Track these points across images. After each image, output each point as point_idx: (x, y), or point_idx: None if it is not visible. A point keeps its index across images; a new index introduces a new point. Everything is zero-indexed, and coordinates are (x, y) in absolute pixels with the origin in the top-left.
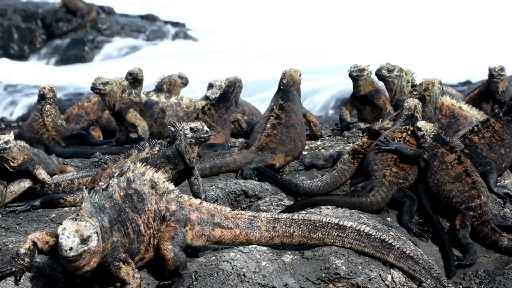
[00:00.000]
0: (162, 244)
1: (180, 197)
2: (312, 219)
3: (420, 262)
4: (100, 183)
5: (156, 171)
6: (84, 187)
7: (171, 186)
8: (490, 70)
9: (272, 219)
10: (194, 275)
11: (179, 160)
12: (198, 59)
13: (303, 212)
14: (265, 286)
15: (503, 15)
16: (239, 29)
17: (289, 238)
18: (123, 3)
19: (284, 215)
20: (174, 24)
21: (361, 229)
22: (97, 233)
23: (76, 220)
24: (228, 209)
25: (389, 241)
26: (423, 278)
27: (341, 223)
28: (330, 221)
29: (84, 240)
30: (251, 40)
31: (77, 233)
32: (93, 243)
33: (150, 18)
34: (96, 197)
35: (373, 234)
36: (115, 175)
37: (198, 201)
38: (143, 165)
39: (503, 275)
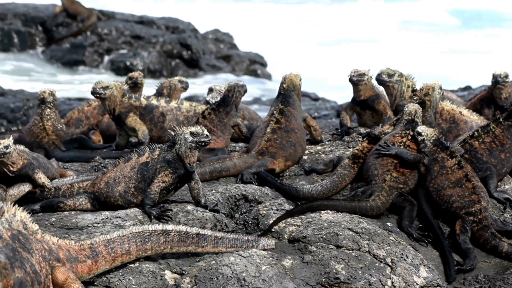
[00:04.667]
0: None
1: (44, 236)
2: (140, 230)
3: (230, 236)
4: None
5: (24, 209)
6: None
7: (36, 226)
8: (495, 76)
9: (106, 241)
10: (194, 279)
11: (179, 165)
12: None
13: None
14: None
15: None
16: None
17: (127, 255)
18: (124, 7)
19: (115, 234)
20: (174, 29)
21: (181, 230)
22: None
23: None
24: (72, 241)
25: (203, 233)
26: (244, 246)
27: (164, 228)
28: (156, 229)
29: None
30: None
31: None
32: None
33: (150, 23)
34: None
35: (189, 231)
36: None
37: (55, 238)
38: (11, 204)
39: (503, 280)
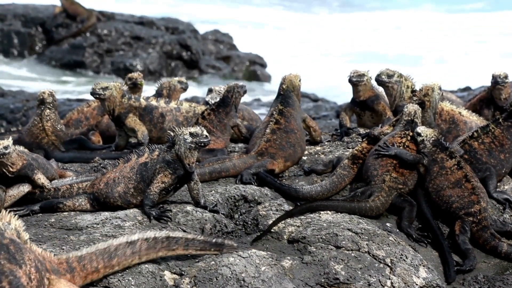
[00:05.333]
0: None
1: (31, 246)
2: (105, 246)
3: (200, 238)
4: None
5: (18, 218)
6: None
7: (27, 235)
8: (494, 77)
9: (78, 257)
10: (194, 280)
11: (178, 165)
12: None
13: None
14: None
15: (502, 23)
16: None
17: (96, 273)
18: (123, 8)
19: (84, 250)
20: (174, 30)
21: (149, 237)
22: None
23: None
24: (52, 254)
25: (173, 235)
26: (212, 249)
27: (129, 239)
28: (120, 242)
29: None
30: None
31: None
32: None
33: (150, 24)
34: None
35: (157, 236)
36: None
37: (40, 249)
38: (7, 212)
39: (503, 281)
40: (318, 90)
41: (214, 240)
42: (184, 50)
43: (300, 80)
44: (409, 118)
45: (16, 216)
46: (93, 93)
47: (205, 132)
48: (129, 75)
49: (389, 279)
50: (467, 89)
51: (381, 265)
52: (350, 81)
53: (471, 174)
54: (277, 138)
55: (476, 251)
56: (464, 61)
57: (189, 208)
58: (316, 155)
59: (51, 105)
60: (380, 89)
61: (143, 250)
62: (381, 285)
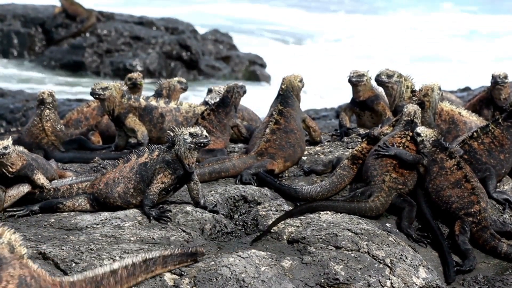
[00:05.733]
0: None
1: (27, 262)
2: (92, 275)
3: (177, 252)
4: None
5: (14, 232)
6: None
7: (23, 250)
8: (494, 77)
9: (70, 282)
10: (193, 280)
11: (178, 165)
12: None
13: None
14: None
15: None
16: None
17: None
18: (123, 8)
19: (75, 277)
20: (174, 30)
21: (128, 263)
22: None
23: None
24: (47, 273)
25: (150, 256)
26: (190, 260)
27: (112, 268)
28: (104, 271)
29: None
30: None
31: None
32: None
33: (150, 24)
34: None
35: (135, 261)
36: None
37: (35, 266)
38: (0, 225)
39: (502, 281)
40: (318, 90)
41: (190, 250)
42: (183, 50)
43: (300, 81)
44: (409, 118)
45: (13, 230)
46: (92, 93)
47: (204, 133)
48: (129, 75)
49: (389, 279)
50: (467, 89)
51: (381, 266)
52: (349, 81)
53: (470, 174)
54: (276, 138)
55: (475, 251)
56: (464, 61)
57: (188, 208)
58: (316, 155)
59: (50, 105)
60: (380, 89)
61: (124, 278)
62: (381, 285)
